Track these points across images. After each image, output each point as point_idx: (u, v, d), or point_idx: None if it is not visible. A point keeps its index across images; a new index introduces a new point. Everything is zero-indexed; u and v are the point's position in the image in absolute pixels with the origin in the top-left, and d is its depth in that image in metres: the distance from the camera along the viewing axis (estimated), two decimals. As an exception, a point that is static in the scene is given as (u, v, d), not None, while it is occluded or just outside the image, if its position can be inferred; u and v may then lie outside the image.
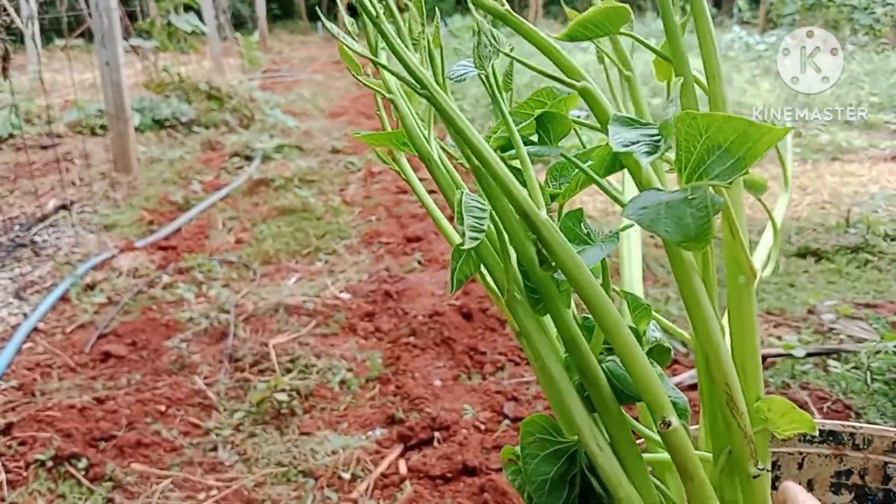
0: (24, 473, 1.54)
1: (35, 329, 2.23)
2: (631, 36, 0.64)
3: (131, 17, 5.58)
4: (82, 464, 1.56)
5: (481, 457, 1.55)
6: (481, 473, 1.51)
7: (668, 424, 0.56)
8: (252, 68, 8.35)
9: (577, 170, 0.64)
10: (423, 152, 0.67)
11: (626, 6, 0.60)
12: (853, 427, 0.65)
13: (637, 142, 0.54)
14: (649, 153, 0.53)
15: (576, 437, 0.65)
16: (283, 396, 1.78)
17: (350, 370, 1.94)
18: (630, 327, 0.67)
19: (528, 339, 0.65)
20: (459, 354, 2.01)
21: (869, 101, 5.19)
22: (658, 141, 0.54)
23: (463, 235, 0.58)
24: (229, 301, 2.36)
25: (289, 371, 1.95)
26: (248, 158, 4.42)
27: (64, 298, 2.45)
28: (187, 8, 5.97)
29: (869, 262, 2.50)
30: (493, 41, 0.62)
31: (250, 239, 3.03)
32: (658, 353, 0.66)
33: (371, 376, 1.92)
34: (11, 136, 4.55)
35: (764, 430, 0.56)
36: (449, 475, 1.51)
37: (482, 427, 1.67)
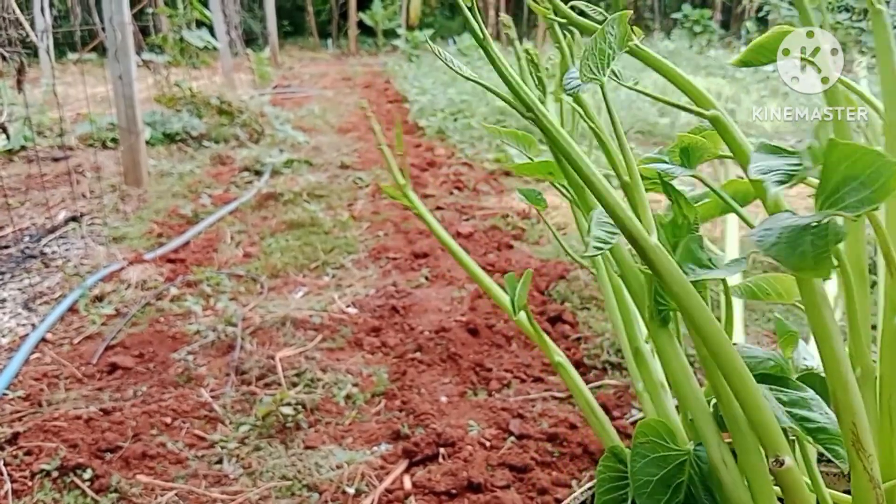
0: (29, 483, 1.55)
1: (43, 339, 2.24)
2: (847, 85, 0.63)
3: (144, 31, 5.65)
4: (87, 475, 1.56)
5: (486, 473, 1.55)
6: (486, 490, 1.51)
7: (782, 463, 0.54)
8: (263, 84, 8.42)
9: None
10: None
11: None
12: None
13: (775, 170, 0.53)
14: (781, 182, 0.52)
15: (688, 446, 0.64)
16: (288, 410, 1.78)
17: (356, 385, 1.94)
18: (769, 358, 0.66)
19: (663, 354, 0.64)
20: (465, 371, 2.01)
21: (878, 122, 5.19)
22: (795, 170, 0.52)
23: (586, 245, 0.57)
24: (236, 314, 2.37)
25: (295, 385, 1.95)
26: (258, 173, 4.45)
27: (72, 309, 2.46)
28: (199, 24, 6.03)
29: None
30: (616, 76, 0.60)
31: (258, 252, 3.04)
32: (807, 380, 0.65)
33: (377, 391, 1.92)
34: (24, 147, 4.60)
35: None
36: (454, 491, 1.51)
37: (487, 444, 1.67)
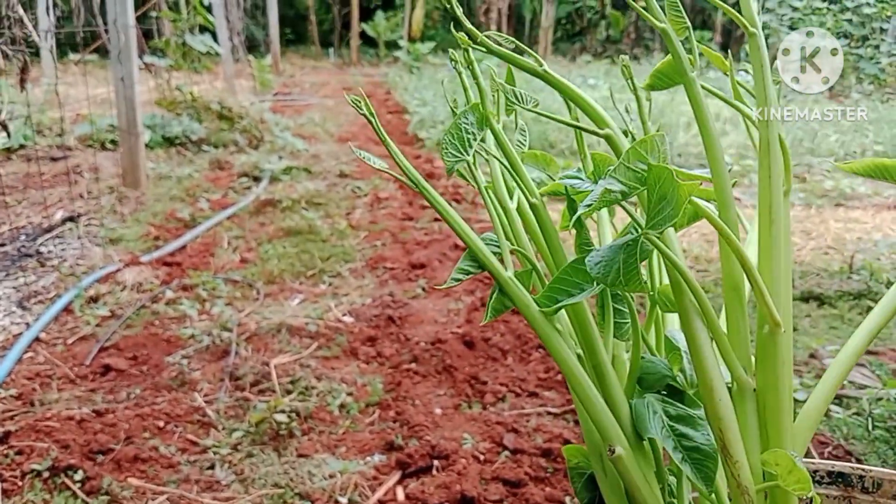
0: (20, 483, 1.53)
1: (37, 339, 2.23)
2: (708, 90, 0.67)
3: (147, 35, 5.65)
4: (79, 476, 1.55)
5: (480, 487, 1.54)
6: (479, 504, 1.50)
7: (613, 452, 0.60)
8: (263, 90, 8.44)
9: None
10: None
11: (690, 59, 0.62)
12: (863, 470, 0.65)
13: (595, 195, 0.57)
14: (588, 206, 0.57)
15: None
16: (282, 417, 1.77)
17: (350, 394, 1.94)
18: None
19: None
20: (460, 383, 2.01)
21: (874, 149, 5.24)
22: (609, 195, 0.56)
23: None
24: (232, 319, 2.36)
25: (289, 392, 1.94)
26: (257, 179, 4.45)
27: (67, 310, 2.45)
28: (202, 29, 6.05)
29: (871, 309, 2.50)
30: (516, 99, 0.66)
31: (255, 258, 3.04)
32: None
33: (371, 401, 1.91)
34: (23, 146, 4.59)
35: (775, 486, 0.55)
36: (446, 504, 1.50)
37: (481, 457, 1.67)
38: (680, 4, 0.61)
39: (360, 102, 0.66)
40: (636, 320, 0.65)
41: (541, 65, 0.64)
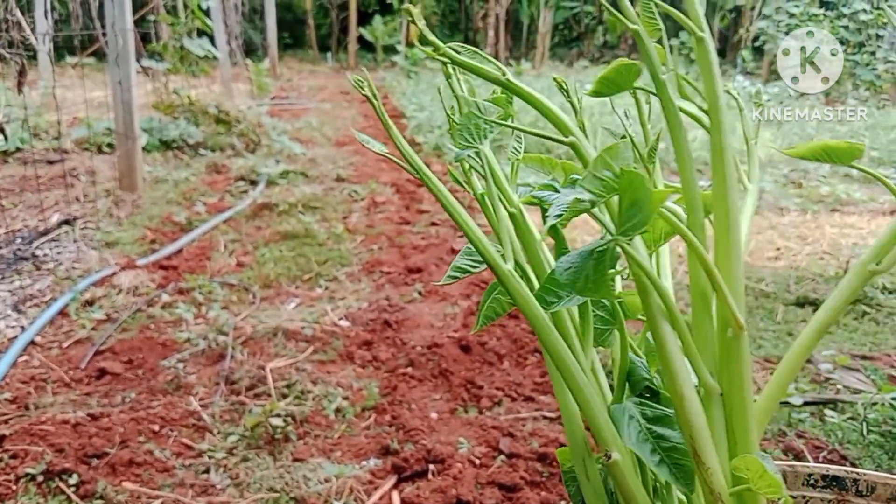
0: (14, 487, 1.53)
1: (32, 342, 2.23)
2: (644, 89, 0.67)
3: (144, 38, 5.65)
4: (73, 480, 1.54)
5: (475, 492, 1.54)
6: (475, 508, 1.50)
7: (609, 457, 0.59)
8: (261, 94, 8.44)
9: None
10: None
11: (637, 64, 0.63)
12: (857, 474, 0.65)
13: (563, 204, 0.57)
14: (558, 216, 0.57)
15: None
16: (278, 421, 1.77)
17: (346, 398, 1.94)
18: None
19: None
20: (457, 387, 2.01)
21: (869, 155, 5.25)
22: (579, 204, 0.56)
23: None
24: (228, 323, 2.36)
25: (285, 396, 1.94)
26: (254, 183, 4.45)
27: (62, 313, 2.44)
28: (200, 33, 6.05)
29: (867, 314, 2.51)
30: (480, 114, 0.67)
31: (252, 262, 3.03)
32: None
33: (367, 405, 1.91)
34: (19, 149, 4.58)
35: (747, 489, 0.56)
36: (442, 509, 1.50)
37: (477, 462, 1.66)
38: (654, 7, 0.61)
39: (362, 84, 0.66)
40: (623, 325, 0.65)
41: (504, 74, 0.65)
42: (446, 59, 0.64)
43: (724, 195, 0.60)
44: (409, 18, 0.61)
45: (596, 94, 0.66)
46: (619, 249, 0.55)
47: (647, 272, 0.56)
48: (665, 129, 0.65)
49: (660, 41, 0.62)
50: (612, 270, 0.57)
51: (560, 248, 0.69)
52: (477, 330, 0.69)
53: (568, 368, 0.61)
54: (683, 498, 0.65)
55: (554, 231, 0.69)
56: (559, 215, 0.56)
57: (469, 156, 0.70)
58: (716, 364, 0.60)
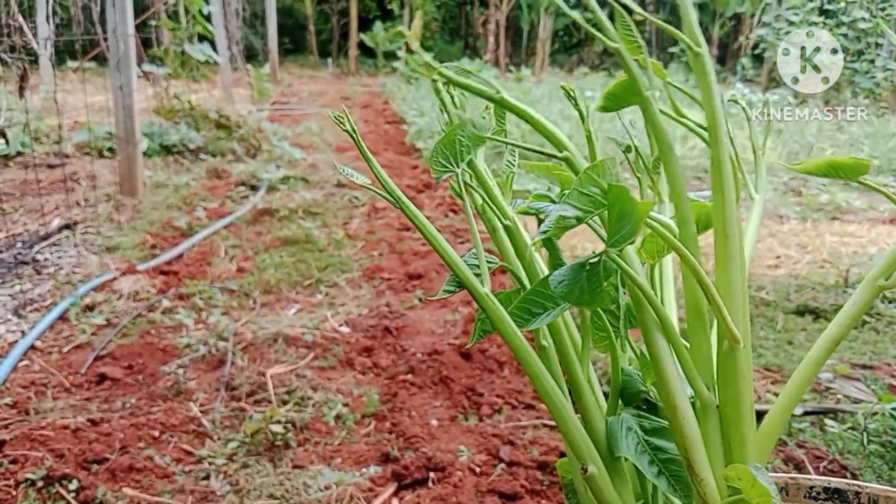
0: (14, 492, 1.53)
1: (32, 347, 2.23)
2: (666, 114, 0.68)
3: (146, 43, 5.67)
4: (73, 485, 1.54)
5: (476, 500, 1.54)
6: (475, 516, 1.50)
7: (585, 470, 0.61)
8: (261, 100, 8.45)
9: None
10: None
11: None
12: (858, 486, 0.65)
13: (553, 219, 0.58)
14: (543, 233, 0.57)
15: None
16: (278, 428, 1.77)
17: (346, 405, 1.94)
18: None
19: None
20: (457, 395, 2.01)
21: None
22: (565, 221, 0.57)
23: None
24: (228, 329, 2.36)
25: (285, 402, 1.94)
26: (254, 188, 4.45)
27: (63, 318, 2.44)
28: (201, 38, 6.06)
29: (867, 324, 2.51)
30: (474, 128, 0.68)
31: (252, 268, 3.03)
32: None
33: (367, 412, 1.91)
34: (20, 153, 4.59)
35: (740, 500, 0.56)
36: (442, 516, 1.50)
37: (477, 470, 1.66)
38: (632, 24, 0.61)
39: (342, 119, 0.68)
40: (612, 339, 0.66)
41: (498, 92, 0.65)
42: (442, 79, 0.65)
43: (723, 208, 0.60)
44: (404, 40, 0.62)
45: (604, 109, 0.66)
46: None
47: (640, 284, 0.57)
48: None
49: (641, 58, 0.62)
50: (606, 283, 0.57)
51: (554, 260, 0.70)
52: (472, 344, 0.69)
53: (543, 387, 0.62)
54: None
55: (549, 243, 0.69)
56: (545, 232, 0.57)
57: (453, 182, 0.71)
58: (713, 376, 0.61)
